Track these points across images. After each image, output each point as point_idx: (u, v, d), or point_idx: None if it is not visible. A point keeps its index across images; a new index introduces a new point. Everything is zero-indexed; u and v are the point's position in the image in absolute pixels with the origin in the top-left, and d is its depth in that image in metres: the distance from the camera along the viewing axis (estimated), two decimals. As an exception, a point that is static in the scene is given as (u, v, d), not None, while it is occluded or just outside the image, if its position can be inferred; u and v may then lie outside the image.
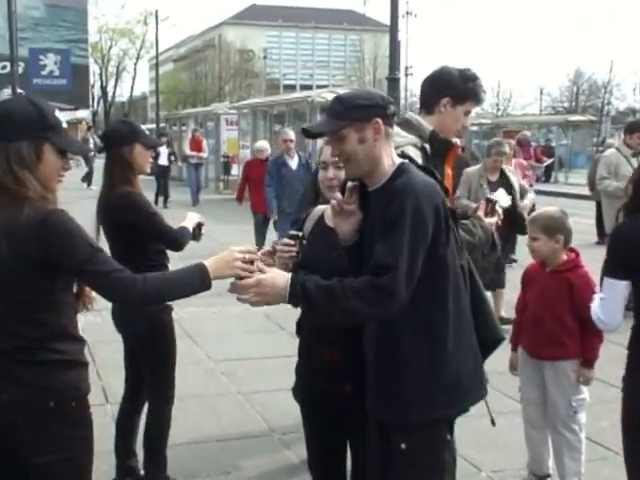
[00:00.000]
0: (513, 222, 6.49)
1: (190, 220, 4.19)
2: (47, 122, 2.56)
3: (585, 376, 4.12)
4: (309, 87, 60.01)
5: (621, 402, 3.17)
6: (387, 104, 2.72)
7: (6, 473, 2.61)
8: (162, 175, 20.39)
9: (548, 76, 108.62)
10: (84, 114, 48.29)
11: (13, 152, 2.49)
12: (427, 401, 2.72)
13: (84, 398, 2.63)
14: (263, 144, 12.30)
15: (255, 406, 5.72)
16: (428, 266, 2.60)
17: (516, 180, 8.07)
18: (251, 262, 2.60)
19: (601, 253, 3.39)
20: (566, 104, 65.16)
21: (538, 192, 9.87)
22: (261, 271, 2.61)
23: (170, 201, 20.22)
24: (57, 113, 2.61)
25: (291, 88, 66.55)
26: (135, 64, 68.79)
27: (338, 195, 2.80)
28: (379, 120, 2.67)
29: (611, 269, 3.11)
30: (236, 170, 22.99)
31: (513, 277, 6.83)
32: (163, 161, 20.67)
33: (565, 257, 4.18)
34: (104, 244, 4.02)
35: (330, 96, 17.34)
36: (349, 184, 2.77)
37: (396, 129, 3.55)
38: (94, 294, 2.72)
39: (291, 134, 10.37)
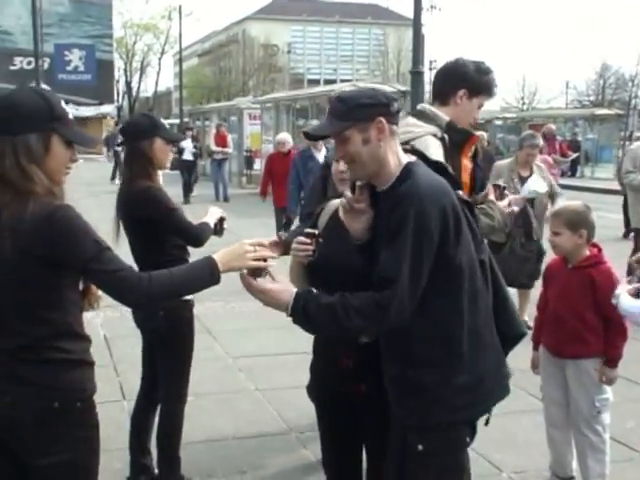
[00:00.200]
0: None
1: (212, 215, 4.11)
2: (54, 113, 2.49)
3: (608, 376, 4.00)
4: (333, 82, 59.78)
5: None
6: (391, 102, 2.64)
7: (5, 474, 2.55)
8: (187, 170, 20.35)
9: (574, 69, 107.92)
10: (109, 109, 48.65)
11: (20, 145, 2.42)
12: (444, 403, 2.65)
13: (89, 398, 2.56)
14: (285, 136, 12.16)
15: (273, 403, 5.65)
16: (438, 267, 2.53)
17: (548, 179, 7.72)
18: (264, 260, 2.53)
19: (628, 247, 3.30)
20: (592, 98, 64.47)
21: (563, 187, 9.72)
22: (271, 276, 2.55)
23: (193, 196, 20.14)
24: (63, 104, 2.54)
25: (315, 83, 66.39)
26: (159, 59, 69.07)
27: (348, 193, 2.74)
28: (382, 119, 2.58)
29: None
30: (259, 164, 22.99)
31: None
32: (187, 156, 20.62)
33: (588, 252, 4.07)
34: (124, 239, 4.01)
35: (353, 90, 17.25)
36: (359, 182, 2.70)
37: (413, 120, 3.51)
38: (100, 292, 2.64)
39: None
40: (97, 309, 2.63)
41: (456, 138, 3.42)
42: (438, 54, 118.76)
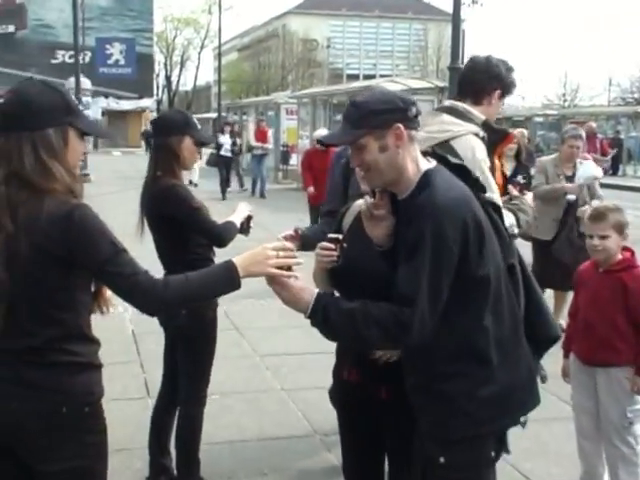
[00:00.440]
0: None
1: (239, 213, 4.02)
2: (70, 106, 2.45)
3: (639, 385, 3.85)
4: (372, 77, 59.56)
5: None
6: (408, 106, 2.49)
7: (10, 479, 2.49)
8: (225, 166, 20.30)
9: (617, 66, 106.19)
10: (148, 103, 49.01)
11: (40, 140, 2.36)
12: (468, 416, 2.54)
13: (97, 402, 2.49)
14: (323, 132, 12.04)
15: (298, 404, 5.57)
16: (460, 280, 2.42)
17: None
18: (289, 268, 2.44)
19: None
20: (636, 95, 63.42)
21: (604, 185, 9.48)
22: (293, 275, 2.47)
23: (230, 192, 20.09)
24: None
25: (354, 78, 66.17)
26: (199, 53, 69.48)
27: (368, 199, 2.64)
28: (400, 125, 2.44)
29: None
30: (295, 160, 22.95)
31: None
32: (226, 152, 20.54)
33: (620, 256, 3.93)
34: (148, 235, 3.95)
35: (391, 86, 17.18)
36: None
37: (449, 117, 3.40)
38: (109, 294, 2.57)
39: None
40: (106, 313, 2.55)
41: (493, 138, 3.37)
42: (478, 50, 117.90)
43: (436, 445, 2.59)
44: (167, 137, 3.85)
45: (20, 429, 2.36)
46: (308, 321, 2.47)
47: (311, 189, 10.84)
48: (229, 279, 2.39)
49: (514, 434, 2.77)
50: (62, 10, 41.99)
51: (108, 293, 2.56)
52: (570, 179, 7.24)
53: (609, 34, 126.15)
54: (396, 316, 2.36)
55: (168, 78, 68.77)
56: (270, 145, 21.70)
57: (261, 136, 21.09)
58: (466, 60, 3.88)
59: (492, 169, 3.40)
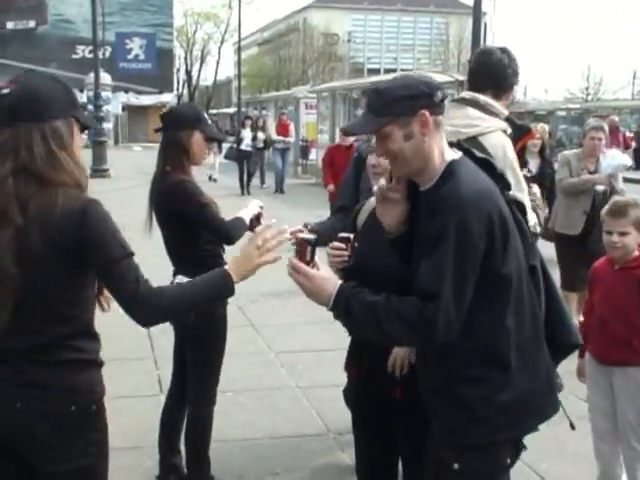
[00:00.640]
0: None
1: (248, 210, 3.94)
2: (73, 98, 2.44)
3: (657, 385, 3.77)
4: (393, 71, 59.23)
5: None
6: (433, 91, 2.39)
7: None
8: (245, 161, 20.16)
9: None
10: (168, 98, 49.05)
11: (50, 132, 2.32)
12: (485, 422, 2.45)
13: (100, 401, 2.47)
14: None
15: (312, 402, 5.51)
16: (484, 278, 2.32)
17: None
18: (308, 262, 2.40)
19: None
20: (661, 88, 62.80)
21: (626, 180, 9.34)
22: (315, 266, 2.41)
23: (252, 186, 19.99)
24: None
25: (375, 72, 65.94)
26: (219, 48, 69.39)
27: (383, 182, 2.53)
28: (426, 112, 2.35)
29: None
30: (314, 155, 22.83)
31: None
32: (246, 147, 20.45)
33: (637, 253, 3.84)
34: (156, 230, 3.91)
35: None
36: None
37: (474, 112, 3.31)
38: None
39: None
40: (107, 311, 2.52)
41: (515, 133, 3.29)
42: (500, 44, 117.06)
43: (451, 451, 2.51)
44: (177, 131, 3.80)
45: (26, 430, 2.31)
46: (325, 318, 2.42)
47: (331, 187, 10.61)
48: (224, 285, 2.42)
49: (531, 434, 2.69)
50: (82, 5, 42.04)
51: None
52: (593, 174, 7.13)
53: (634, 27, 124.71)
54: (420, 312, 2.27)
55: (188, 73, 68.84)
56: (292, 139, 21.58)
57: (283, 130, 20.96)
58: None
59: None
